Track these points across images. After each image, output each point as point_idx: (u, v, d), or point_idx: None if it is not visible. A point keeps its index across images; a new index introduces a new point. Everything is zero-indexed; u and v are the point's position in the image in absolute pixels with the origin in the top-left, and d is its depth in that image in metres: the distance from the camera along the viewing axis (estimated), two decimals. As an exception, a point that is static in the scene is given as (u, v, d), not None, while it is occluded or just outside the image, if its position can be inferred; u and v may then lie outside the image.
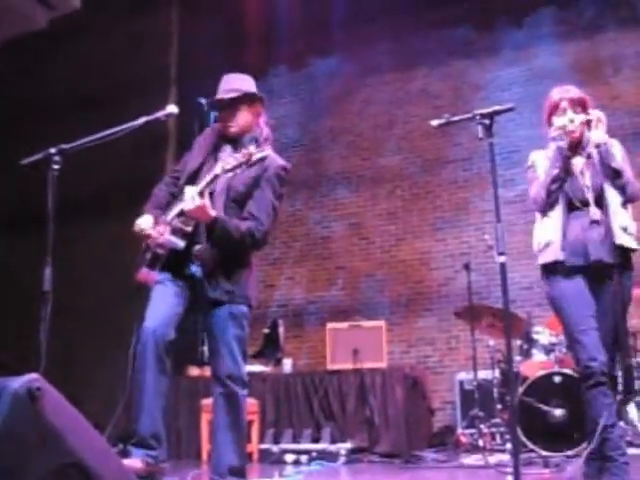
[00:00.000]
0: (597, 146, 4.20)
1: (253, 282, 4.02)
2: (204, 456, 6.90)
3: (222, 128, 4.10)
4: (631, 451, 6.20)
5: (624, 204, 4.17)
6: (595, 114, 4.29)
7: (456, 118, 4.04)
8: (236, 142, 4.04)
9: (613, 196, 4.14)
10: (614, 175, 4.14)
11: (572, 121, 4.27)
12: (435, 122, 4.07)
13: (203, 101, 4.29)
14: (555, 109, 4.36)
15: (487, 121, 3.85)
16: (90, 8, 8.98)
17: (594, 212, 4.12)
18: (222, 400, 3.82)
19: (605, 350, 4.00)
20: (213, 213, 3.74)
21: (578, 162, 4.28)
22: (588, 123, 4.29)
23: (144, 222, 3.90)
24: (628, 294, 4.13)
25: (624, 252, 4.11)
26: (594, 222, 4.12)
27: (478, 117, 3.86)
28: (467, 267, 7.68)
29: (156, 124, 4.02)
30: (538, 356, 6.93)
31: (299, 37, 10.09)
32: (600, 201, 4.14)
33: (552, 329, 7.02)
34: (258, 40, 10.24)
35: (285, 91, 10.91)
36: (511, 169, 9.31)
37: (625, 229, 4.12)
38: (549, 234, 4.22)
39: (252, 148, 3.76)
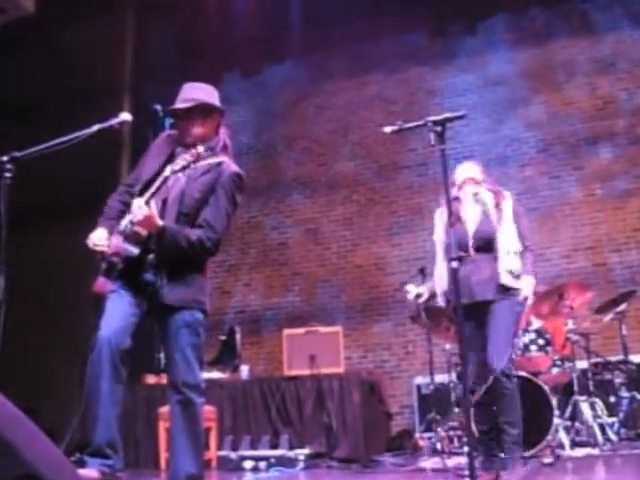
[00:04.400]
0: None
1: (207, 288, 4.00)
2: (162, 464, 6.85)
3: (179, 137, 4.07)
4: (585, 451, 6.31)
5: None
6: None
7: (408, 125, 4.06)
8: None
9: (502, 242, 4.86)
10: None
11: (476, 194, 5.15)
12: (388, 129, 4.09)
13: (158, 108, 4.27)
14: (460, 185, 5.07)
15: (439, 128, 3.88)
16: (43, 12, 8.89)
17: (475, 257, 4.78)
18: (178, 408, 3.80)
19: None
20: (160, 223, 3.70)
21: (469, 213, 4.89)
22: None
23: (97, 237, 3.86)
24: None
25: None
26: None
27: (430, 124, 3.89)
28: (422, 272, 7.70)
29: (110, 131, 3.98)
30: (494, 359, 6.97)
31: (253, 43, 10.08)
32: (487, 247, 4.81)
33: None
34: (212, 47, 10.21)
35: (239, 97, 10.89)
36: (465, 174, 9.35)
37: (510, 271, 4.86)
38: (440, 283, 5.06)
39: (200, 148, 3.75)
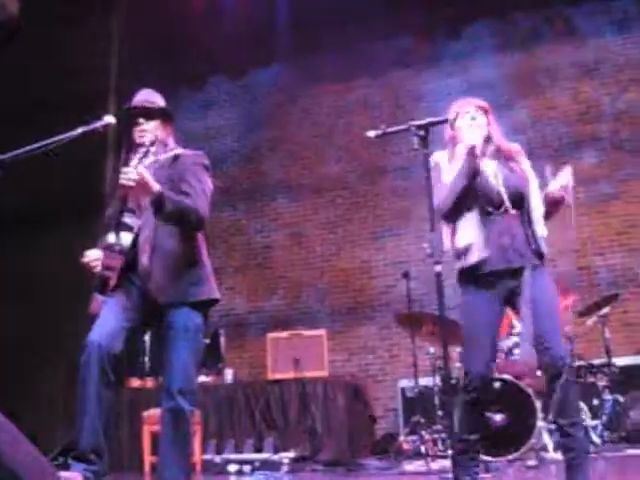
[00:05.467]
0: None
1: (206, 278, 3.92)
2: (146, 468, 6.83)
3: (136, 140, 4.03)
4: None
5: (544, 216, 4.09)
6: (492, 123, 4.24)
7: (392, 129, 4.06)
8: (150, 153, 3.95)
9: (536, 203, 4.09)
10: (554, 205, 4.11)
11: (474, 119, 4.20)
12: (372, 133, 4.07)
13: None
14: (458, 115, 4.29)
15: (422, 132, 3.88)
16: (28, 15, 8.84)
17: (511, 215, 4.03)
18: (169, 415, 3.75)
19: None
20: (157, 187, 3.64)
21: (490, 165, 4.15)
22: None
23: (91, 255, 3.85)
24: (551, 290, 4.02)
25: (540, 256, 4.03)
26: (511, 226, 4.02)
27: (414, 128, 3.88)
28: (406, 275, 7.73)
29: (95, 134, 3.97)
30: (478, 362, 6.97)
31: (239, 46, 10.05)
32: (519, 204, 4.05)
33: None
34: (198, 49, 10.19)
35: (225, 100, 10.91)
36: (450, 178, 9.39)
37: (543, 238, 4.04)
38: (468, 237, 4.02)
39: (153, 148, 3.79)
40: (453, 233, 4.11)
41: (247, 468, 6.86)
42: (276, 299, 10.30)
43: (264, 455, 7.08)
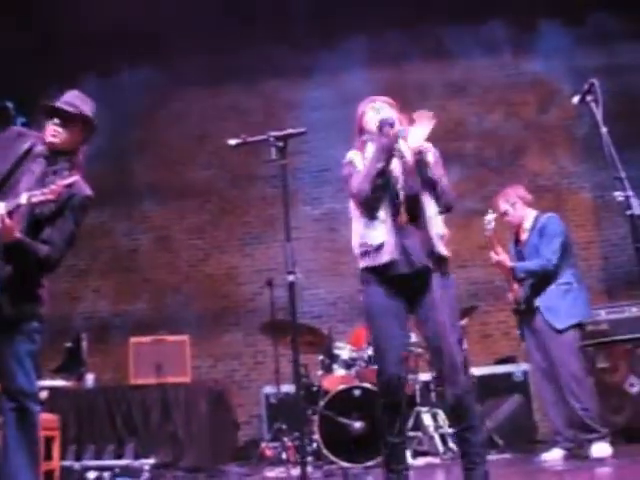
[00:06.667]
0: (416, 152, 4.12)
1: (44, 299, 3.94)
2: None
3: (46, 136, 3.97)
4: (426, 460, 6.51)
5: (440, 213, 4.12)
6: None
7: (252, 139, 4.10)
8: (52, 158, 3.95)
9: (429, 204, 4.08)
10: (431, 184, 4.09)
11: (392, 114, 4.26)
12: (232, 142, 4.12)
13: (9, 105, 4.16)
14: (365, 114, 4.31)
15: (281, 143, 3.93)
16: None
17: (405, 218, 4.03)
18: (13, 416, 3.68)
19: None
20: (19, 235, 3.65)
21: (394, 165, 4.14)
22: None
23: None
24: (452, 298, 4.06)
25: (440, 260, 4.05)
26: (409, 228, 4.04)
27: (272, 139, 3.93)
28: (270, 284, 7.80)
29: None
30: (339, 371, 7.04)
31: (110, 45, 9.88)
32: (414, 207, 4.05)
33: (354, 345, 7.18)
34: (68, 46, 9.95)
35: (93, 98, 10.66)
36: (320, 187, 9.55)
37: (441, 237, 4.09)
38: (380, 236, 4.01)
39: (60, 182, 3.67)
40: (363, 230, 4.11)
41: (107, 475, 6.74)
42: (140, 303, 10.17)
43: (124, 461, 6.96)
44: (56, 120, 3.98)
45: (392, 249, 3.97)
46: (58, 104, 4.02)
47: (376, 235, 4.04)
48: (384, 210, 4.04)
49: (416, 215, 4.05)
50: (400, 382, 4.02)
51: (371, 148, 4.16)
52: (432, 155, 4.24)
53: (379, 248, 4.01)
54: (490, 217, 6.11)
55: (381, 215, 4.04)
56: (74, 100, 4.09)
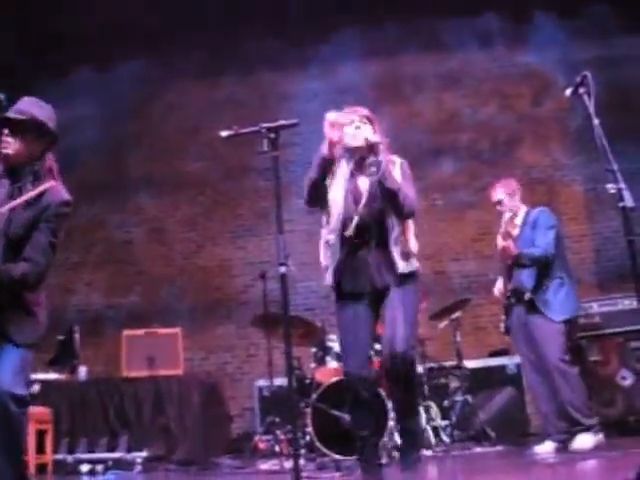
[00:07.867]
0: (372, 164, 4.19)
1: (42, 322, 3.82)
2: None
3: None
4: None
5: (401, 221, 4.24)
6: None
7: (243, 130, 4.09)
8: (14, 174, 3.79)
9: (392, 224, 4.21)
10: (390, 196, 4.16)
11: (358, 128, 4.33)
12: (224, 133, 4.11)
13: (1, 96, 4.07)
14: (337, 125, 4.33)
15: (273, 135, 3.93)
16: None
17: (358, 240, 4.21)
18: None
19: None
20: None
21: (363, 183, 4.29)
22: (372, 148, 4.25)
23: None
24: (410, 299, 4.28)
25: (403, 277, 4.22)
26: (370, 250, 4.21)
27: (264, 130, 3.93)
28: (263, 276, 7.79)
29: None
30: (332, 363, 7.03)
31: (104, 38, 9.85)
32: (378, 229, 4.21)
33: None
34: (61, 39, 9.91)
35: (87, 91, 10.64)
36: (312, 180, 9.48)
37: (407, 254, 4.23)
38: (326, 258, 4.35)
39: (23, 198, 3.62)
40: (322, 245, 4.42)
41: (100, 468, 6.75)
42: (134, 295, 10.16)
43: (117, 454, 6.97)
44: (5, 131, 3.77)
45: (338, 273, 4.25)
46: (9, 114, 3.80)
47: (327, 256, 4.34)
48: (335, 233, 4.26)
49: (380, 235, 4.21)
50: (362, 382, 4.22)
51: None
52: (399, 166, 4.36)
53: (327, 269, 4.30)
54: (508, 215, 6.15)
55: (329, 237, 4.31)
56: (25, 107, 3.84)
